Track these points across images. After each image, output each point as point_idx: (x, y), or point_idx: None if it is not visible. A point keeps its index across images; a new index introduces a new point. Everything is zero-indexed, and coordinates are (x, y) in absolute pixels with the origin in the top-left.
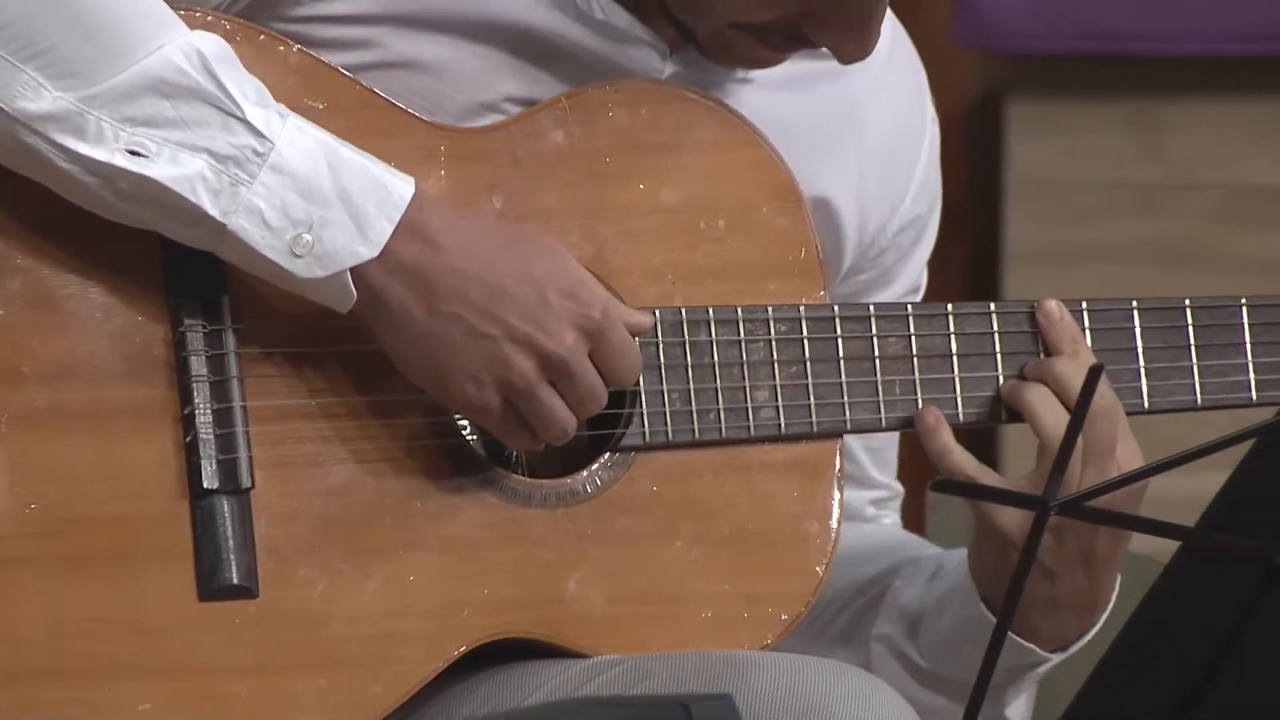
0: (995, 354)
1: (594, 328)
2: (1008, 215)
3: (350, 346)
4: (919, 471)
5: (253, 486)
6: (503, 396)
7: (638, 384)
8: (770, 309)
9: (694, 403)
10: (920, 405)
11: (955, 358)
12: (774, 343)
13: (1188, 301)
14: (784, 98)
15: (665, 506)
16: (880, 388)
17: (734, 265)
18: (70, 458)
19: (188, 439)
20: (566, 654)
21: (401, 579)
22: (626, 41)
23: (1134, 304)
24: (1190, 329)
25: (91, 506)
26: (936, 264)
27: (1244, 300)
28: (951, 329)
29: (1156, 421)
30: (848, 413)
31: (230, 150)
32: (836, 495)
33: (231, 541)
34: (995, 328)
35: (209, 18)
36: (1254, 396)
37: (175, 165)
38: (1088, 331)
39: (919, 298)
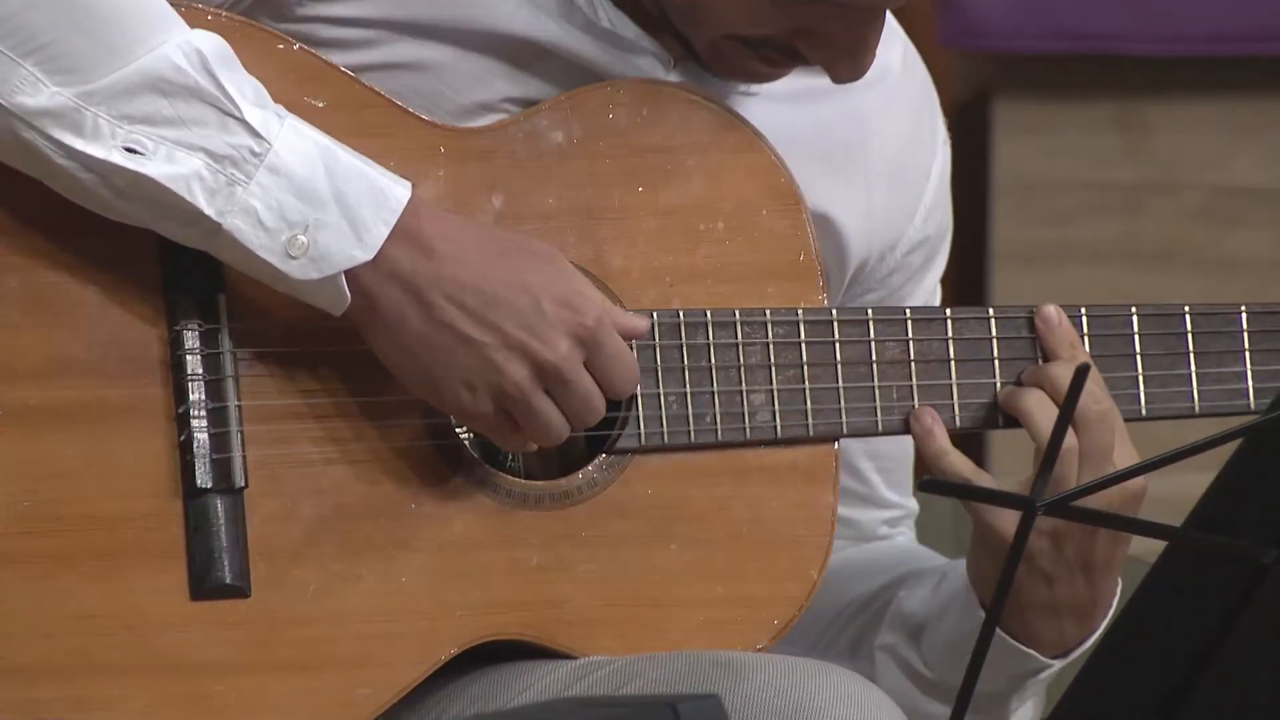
0: (993, 360)
1: (589, 336)
2: (993, 215)
3: (346, 347)
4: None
5: (246, 486)
6: (495, 403)
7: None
8: (768, 312)
9: (690, 406)
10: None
11: (953, 363)
12: (771, 346)
13: (1187, 308)
14: (789, 111)
15: (660, 509)
16: (877, 393)
17: (733, 267)
18: (64, 455)
19: (182, 438)
20: (558, 655)
21: (393, 580)
22: (632, 51)
23: (1133, 310)
24: (1189, 336)
25: (84, 504)
26: None
27: (1243, 307)
28: (950, 334)
29: (1147, 422)
30: (844, 417)
31: (227, 150)
32: (832, 500)
33: (224, 541)
34: (994, 333)
35: (209, 16)
36: (1252, 404)
37: (171, 163)
38: (1086, 337)
39: None
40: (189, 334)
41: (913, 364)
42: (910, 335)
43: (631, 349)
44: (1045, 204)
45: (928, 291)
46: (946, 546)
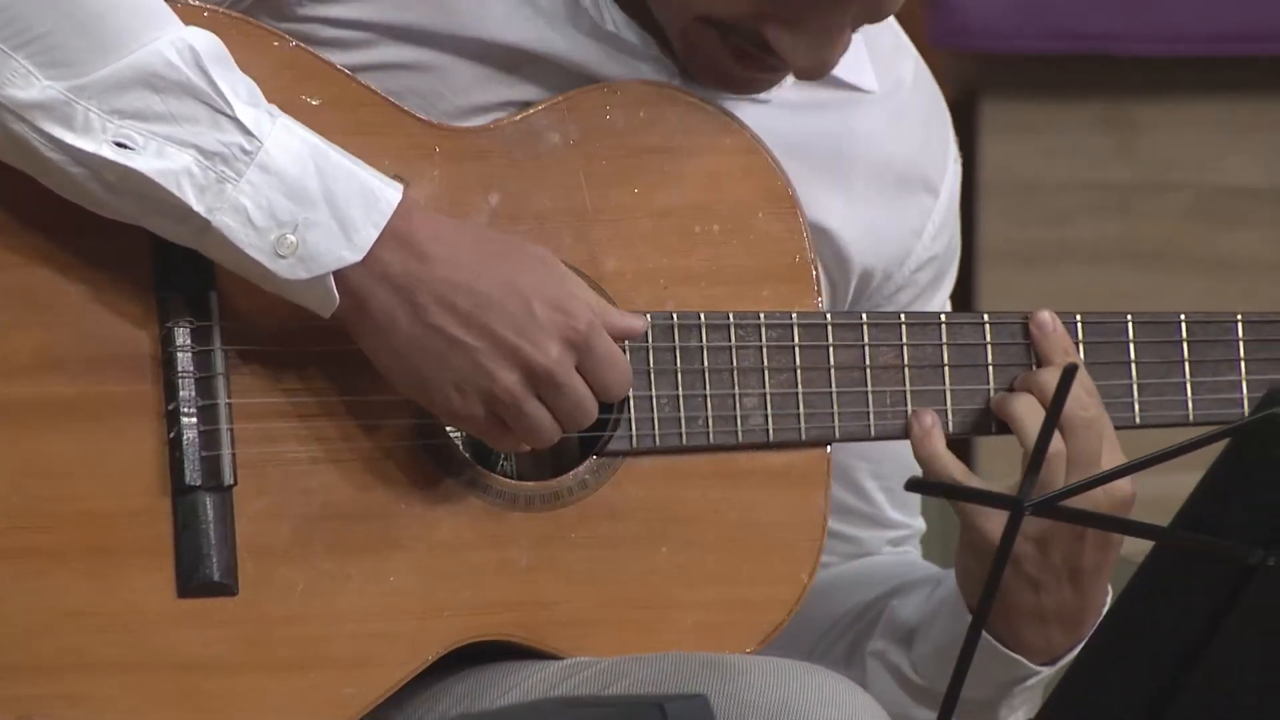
0: (987, 365)
1: (580, 339)
2: (981, 215)
3: (338, 347)
4: None
5: (235, 484)
6: (486, 406)
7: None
8: (762, 315)
9: (682, 408)
10: (909, 415)
11: (947, 368)
12: (765, 349)
13: (1183, 316)
14: (793, 118)
15: (650, 511)
16: (871, 397)
17: (727, 270)
18: (54, 451)
19: (171, 435)
20: (546, 656)
21: (382, 579)
22: (636, 57)
23: (1128, 317)
24: (1184, 344)
25: (74, 500)
26: None
27: (1239, 316)
28: (944, 339)
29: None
30: (836, 421)
31: (218, 147)
32: (823, 504)
33: (212, 539)
34: (988, 339)
35: (205, 13)
36: (1247, 413)
37: (162, 159)
38: (1081, 344)
39: None
40: (180, 331)
41: (906, 369)
42: (904, 340)
43: (625, 351)
44: (1036, 204)
45: (937, 309)
46: (933, 552)
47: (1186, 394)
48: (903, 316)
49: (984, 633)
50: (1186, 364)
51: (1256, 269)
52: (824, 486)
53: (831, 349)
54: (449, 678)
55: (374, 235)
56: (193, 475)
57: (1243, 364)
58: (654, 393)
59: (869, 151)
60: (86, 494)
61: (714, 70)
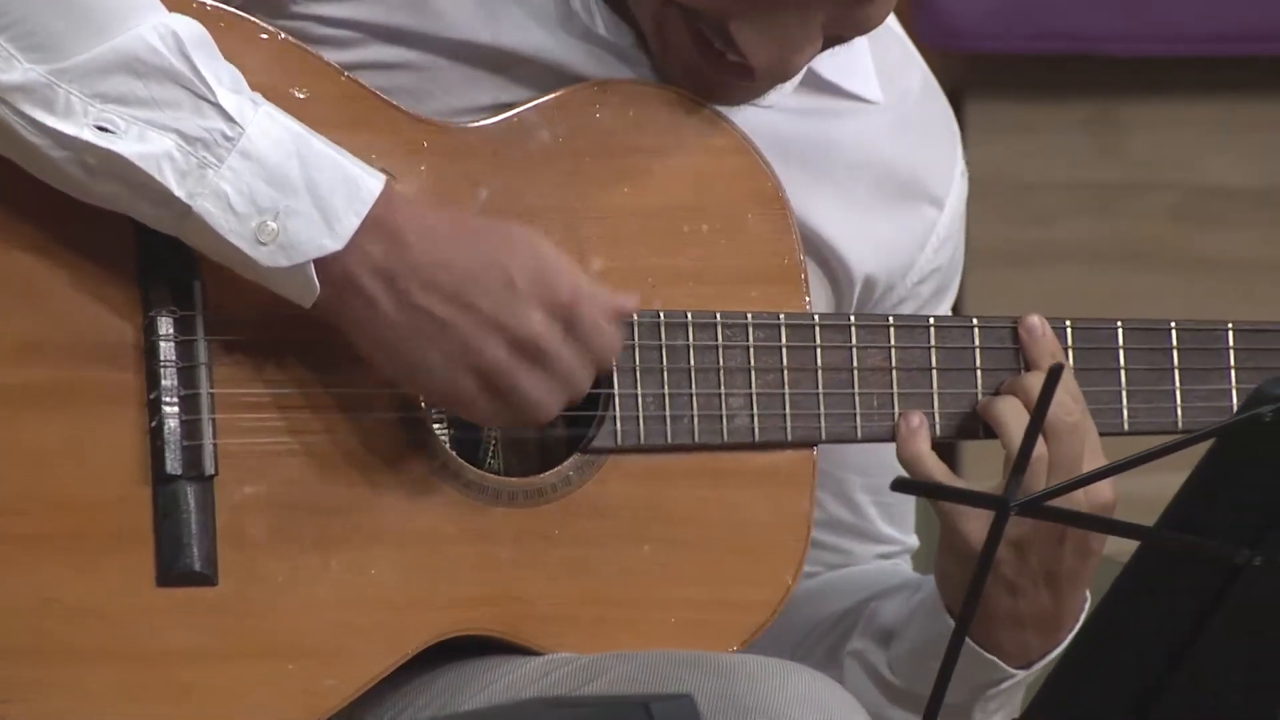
0: (975, 369)
1: (564, 309)
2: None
3: (322, 338)
4: None
5: (216, 474)
6: (478, 383)
7: (611, 386)
8: (749, 315)
9: (668, 407)
10: (896, 419)
11: (935, 371)
12: (751, 349)
13: (1173, 324)
14: (793, 122)
15: (634, 510)
16: (858, 400)
17: (716, 270)
18: (35, 438)
19: (153, 424)
20: (526, 652)
21: (363, 572)
22: (628, 60)
23: (1118, 324)
24: (1175, 351)
25: (54, 487)
26: None
27: (1230, 325)
28: (932, 342)
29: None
30: (823, 423)
31: (199, 132)
32: (808, 506)
33: (193, 528)
34: (976, 342)
35: (194, 3)
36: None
37: (143, 143)
38: (1070, 350)
39: None
40: (163, 320)
41: (894, 371)
42: (892, 342)
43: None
44: (1021, 204)
45: None
46: (921, 566)
47: (1176, 401)
48: (891, 319)
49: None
50: (1176, 371)
51: (1242, 269)
52: (809, 488)
53: (819, 350)
54: (429, 673)
55: (355, 224)
56: (173, 464)
57: (1233, 372)
58: (639, 391)
59: (869, 160)
60: (67, 482)
61: (686, 70)
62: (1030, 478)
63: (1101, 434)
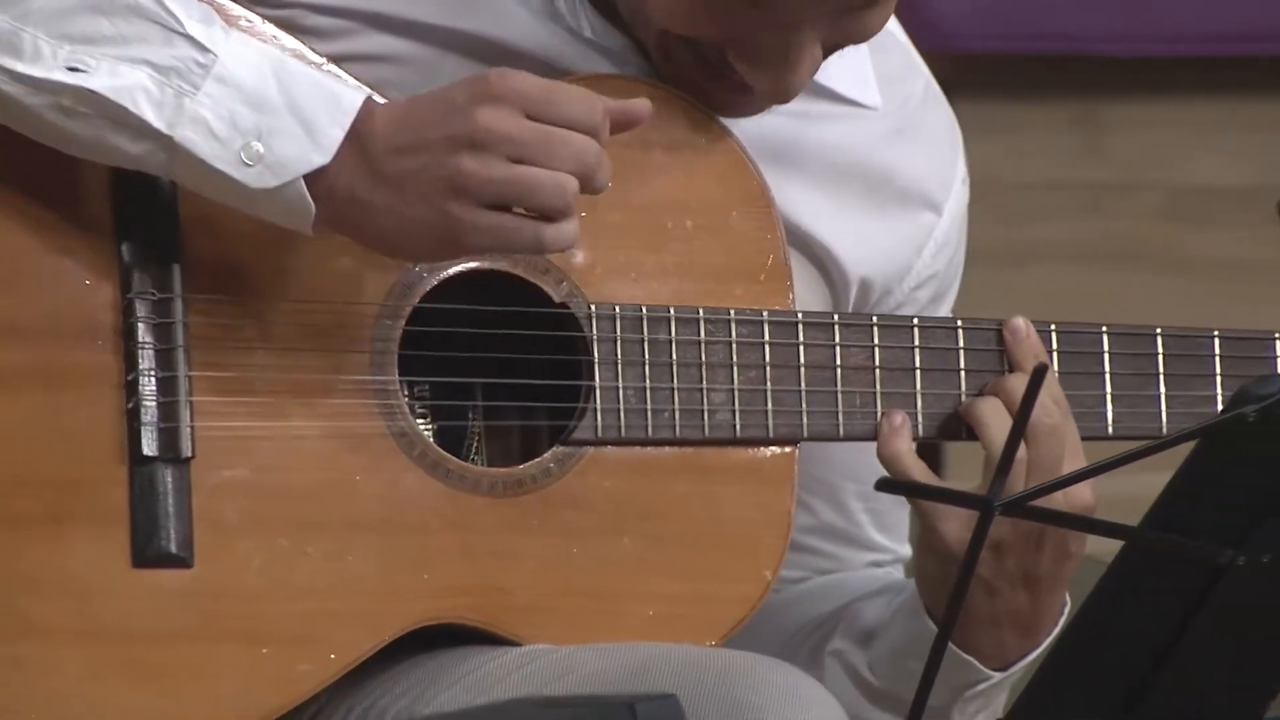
0: (959, 370)
1: (499, 92)
2: None
3: (303, 324)
4: None
5: (193, 457)
6: (470, 204)
7: (593, 378)
8: (732, 312)
9: (649, 401)
10: (879, 418)
11: (918, 372)
12: (734, 345)
13: (1159, 330)
14: (786, 126)
15: (614, 503)
16: (840, 398)
17: (700, 266)
18: (12, 417)
19: (130, 405)
20: (504, 642)
21: (340, 559)
22: (617, 62)
23: (1104, 329)
24: (1160, 357)
25: (30, 467)
26: None
27: (1216, 332)
28: (916, 342)
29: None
30: (805, 420)
31: (171, 62)
32: (789, 503)
33: (169, 510)
34: (960, 344)
35: None
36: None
37: (115, 77)
38: (1055, 353)
39: None
40: (142, 302)
41: (877, 370)
42: (876, 342)
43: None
44: (1005, 204)
45: None
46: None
47: (1160, 407)
48: (875, 318)
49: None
50: (1161, 377)
51: (1229, 269)
52: (791, 484)
53: (802, 348)
54: (405, 662)
55: (339, 136)
56: (150, 446)
57: (1219, 380)
58: (620, 384)
59: (864, 165)
60: (43, 462)
61: (689, 86)
62: (1009, 479)
63: (1084, 438)
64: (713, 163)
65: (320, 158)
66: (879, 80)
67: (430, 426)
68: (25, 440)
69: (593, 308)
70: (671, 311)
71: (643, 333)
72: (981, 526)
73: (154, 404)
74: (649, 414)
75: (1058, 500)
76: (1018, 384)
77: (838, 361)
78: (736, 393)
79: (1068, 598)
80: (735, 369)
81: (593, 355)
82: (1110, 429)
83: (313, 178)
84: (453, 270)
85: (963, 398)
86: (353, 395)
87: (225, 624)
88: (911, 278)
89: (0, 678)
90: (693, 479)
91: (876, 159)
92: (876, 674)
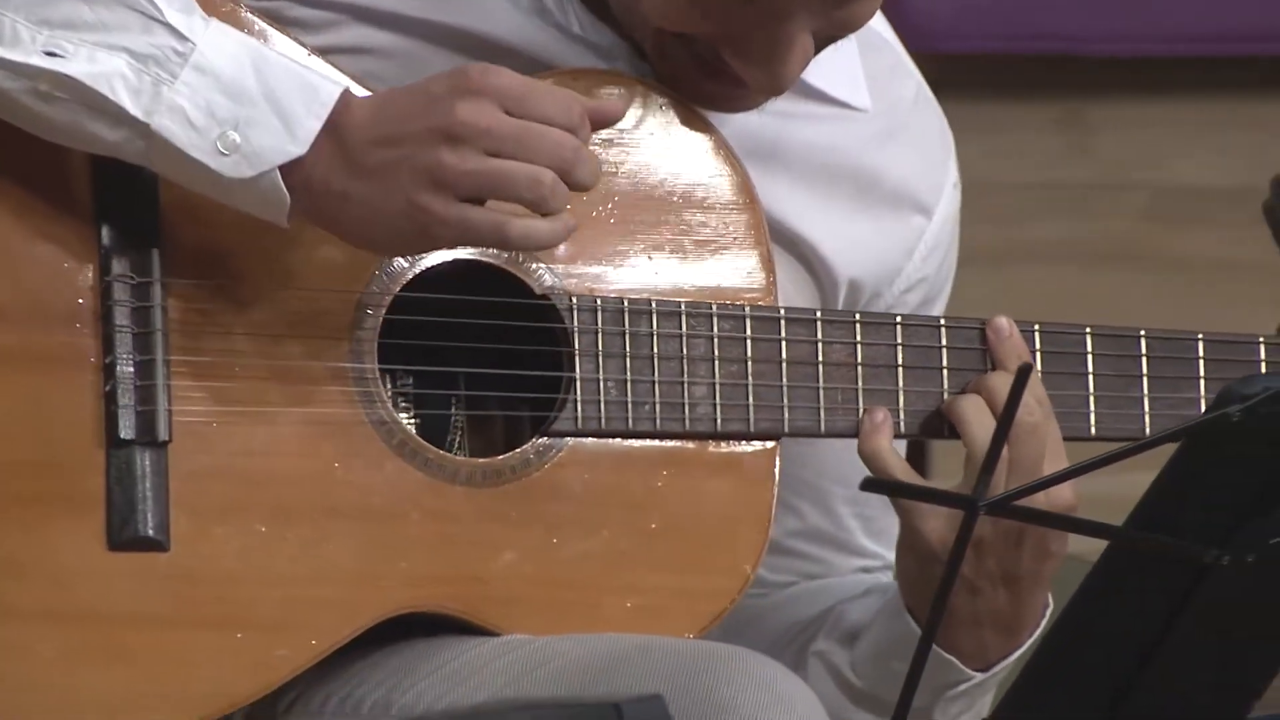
0: (941, 369)
1: (478, 87)
2: None
3: (283, 311)
4: None
5: (170, 440)
6: (459, 197)
7: (574, 369)
8: (714, 306)
9: (630, 393)
10: (861, 415)
11: (900, 369)
12: (716, 340)
13: (1143, 331)
14: (775, 126)
15: (594, 494)
16: (822, 394)
17: (682, 261)
18: None
19: (107, 388)
20: (482, 632)
21: (317, 545)
22: (605, 58)
23: (1087, 330)
24: (1144, 359)
25: (7, 449)
26: None
27: (1201, 335)
28: (899, 340)
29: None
30: (786, 415)
31: (150, 50)
32: (770, 497)
33: (146, 494)
34: (943, 342)
35: None
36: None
37: (93, 63)
38: (1038, 353)
39: None
40: (120, 285)
41: (859, 367)
42: (858, 338)
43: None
44: (990, 204)
45: None
46: None
47: (1144, 409)
48: (857, 315)
49: (920, 634)
50: (1145, 379)
51: (1213, 269)
52: (771, 479)
53: (784, 343)
54: (383, 649)
55: (316, 127)
56: (127, 429)
57: (1202, 382)
58: (601, 376)
59: (852, 166)
60: (20, 443)
61: (685, 82)
62: (986, 464)
63: (1066, 438)
64: (697, 158)
65: (296, 149)
66: (869, 82)
67: (414, 420)
68: (3, 422)
69: (574, 300)
70: (653, 304)
71: (624, 325)
72: (966, 527)
73: (132, 387)
74: (630, 406)
75: (1039, 500)
76: (1000, 382)
77: (820, 357)
78: (718, 387)
79: (1050, 599)
80: (717, 363)
81: (574, 347)
82: (1092, 429)
83: (288, 169)
84: (436, 260)
85: (945, 396)
86: (332, 383)
87: (201, 608)
88: (901, 280)
89: None
90: (673, 472)
91: (866, 160)
92: (859, 674)
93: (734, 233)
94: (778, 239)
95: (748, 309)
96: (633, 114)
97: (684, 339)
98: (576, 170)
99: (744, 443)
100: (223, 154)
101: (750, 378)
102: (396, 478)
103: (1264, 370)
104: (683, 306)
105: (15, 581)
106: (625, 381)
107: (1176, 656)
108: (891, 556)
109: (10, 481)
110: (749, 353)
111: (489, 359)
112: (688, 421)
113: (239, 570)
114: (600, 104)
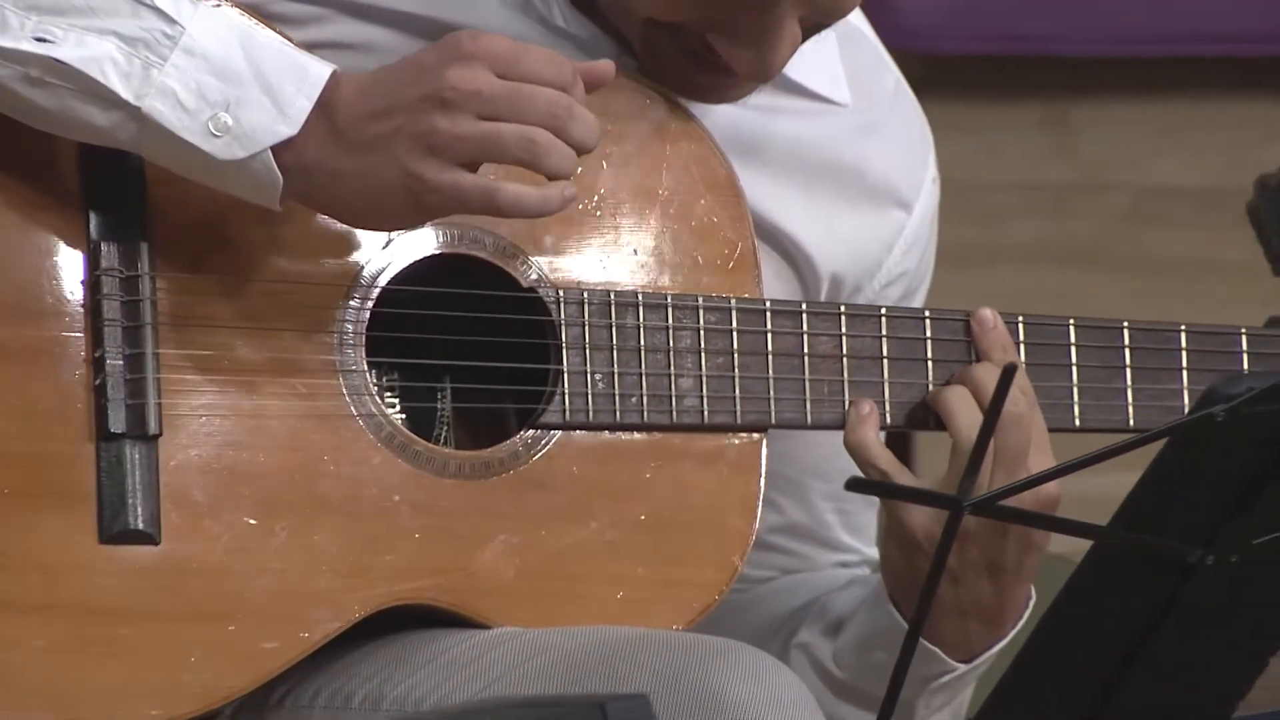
0: (926, 360)
1: (469, 51)
2: None
3: (270, 303)
4: None
5: (160, 434)
6: (455, 163)
7: (561, 362)
8: (700, 299)
9: (617, 385)
10: (847, 406)
11: (885, 361)
12: (702, 332)
13: (1126, 323)
14: (757, 121)
15: (582, 486)
16: (808, 386)
17: (668, 254)
18: None
19: (97, 382)
20: (472, 624)
21: (306, 538)
22: (588, 51)
23: (1070, 322)
24: (1127, 350)
25: None
26: None
27: (1183, 326)
28: (884, 332)
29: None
30: (772, 407)
31: (139, 33)
32: (757, 489)
33: (136, 487)
34: (928, 334)
35: None
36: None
37: (82, 47)
38: (1022, 345)
39: None
40: (109, 279)
41: (845, 359)
42: (843, 330)
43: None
44: (973, 204)
45: None
46: None
47: (1127, 400)
48: (842, 307)
49: (904, 624)
50: (1128, 370)
51: (1194, 269)
52: (758, 471)
53: (770, 335)
54: (372, 643)
55: (307, 107)
56: (117, 423)
57: (1185, 373)
58: (589, 369)
59: (833, 161)
60: (10, 435)
61: (673, 75)
62: (971, 463)
63: (1051, 430)
64: (681, 151)
65: (287, 128)
66: (849, 77)
67: (400, 414)
68: None
69: (560, 293)
70: (639, 297)
71: (610, 318)
72: (951, 526)
73: (121, 381)
74: (617, 399)
75: (1023, 495)
76: (984, 373)
77: (805, 350)
78: (704, 379)
79: (1033, 591)
80: (703, 355)
81: (560, 339)
82: (1077, 421)
83: (280, 149)
84: (423, 254)
85: (930, 387)
86: (320, 376)
87: (192, 601)
88: (882, 275)
89: None
90: (661, 464)
91: (847, 155)
92: (841, 666)
93: (718, 225)
94: (761, 234)
95: (733, 301)
96: (617, 108)
97: (670, 331)
98: (571, 127)
99: (730, 435)
100: (214, 135)
101: (737, 370)
102: (385, 471)
103: (1245, 362)
104: (669, 299)
105: (6, 575)
106: (612, 374)
107: (1161, 655)
108: (870, 552)
109: (2, 474)
110: (735, 345)
111: (476, 352)
112: (675, 414)
113: (229, 563)
114: (591, 64)
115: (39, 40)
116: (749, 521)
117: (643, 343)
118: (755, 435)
